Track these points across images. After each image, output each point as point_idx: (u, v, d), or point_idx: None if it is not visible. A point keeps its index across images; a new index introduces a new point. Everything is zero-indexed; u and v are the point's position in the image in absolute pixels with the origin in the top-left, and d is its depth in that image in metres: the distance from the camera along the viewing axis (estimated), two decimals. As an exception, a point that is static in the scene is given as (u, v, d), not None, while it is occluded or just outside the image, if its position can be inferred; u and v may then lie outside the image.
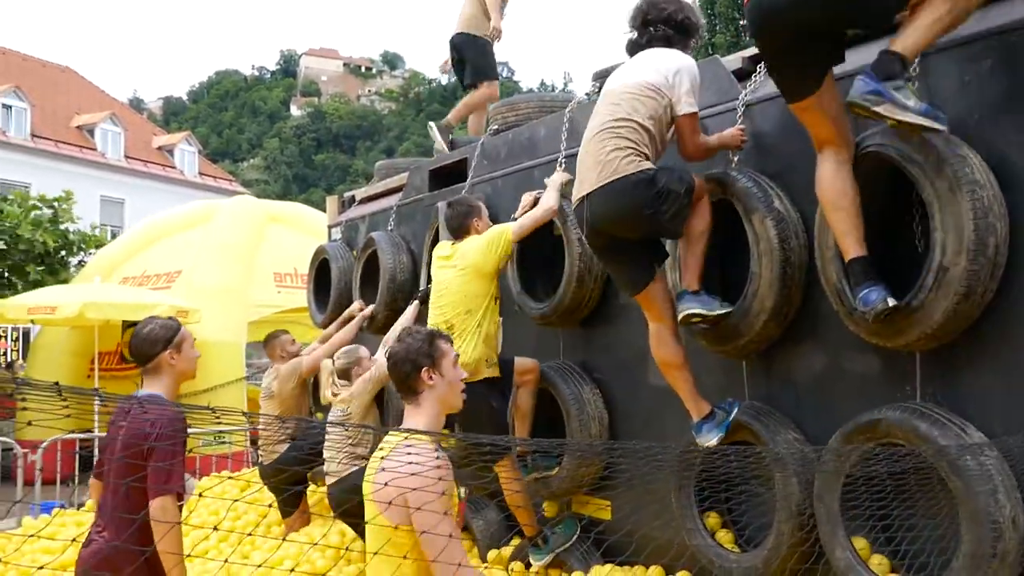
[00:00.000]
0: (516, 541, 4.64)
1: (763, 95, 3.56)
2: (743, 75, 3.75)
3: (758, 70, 3.64)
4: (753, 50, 3.77)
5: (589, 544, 4.28)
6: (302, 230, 12.52)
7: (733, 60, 3.86)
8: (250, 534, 5.07)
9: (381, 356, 4.88)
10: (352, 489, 4.50)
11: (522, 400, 4.47)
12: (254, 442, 10.30)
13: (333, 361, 5.06)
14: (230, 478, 6.88)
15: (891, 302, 2.73)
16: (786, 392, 3.47)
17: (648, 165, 3.35)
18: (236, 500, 5.78)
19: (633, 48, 3.67)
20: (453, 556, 2.40)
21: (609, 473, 4.17)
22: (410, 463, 2.35)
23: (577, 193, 3.53)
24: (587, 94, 4.84)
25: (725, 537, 3.61)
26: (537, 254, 4.76)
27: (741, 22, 20.57)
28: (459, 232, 4.45)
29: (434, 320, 4.32)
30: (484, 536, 4.84)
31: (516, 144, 5.14)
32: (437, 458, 2.47)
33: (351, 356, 5.01)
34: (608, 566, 4.06)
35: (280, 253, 12.10)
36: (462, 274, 4.24)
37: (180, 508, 3.12)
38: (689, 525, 3.62)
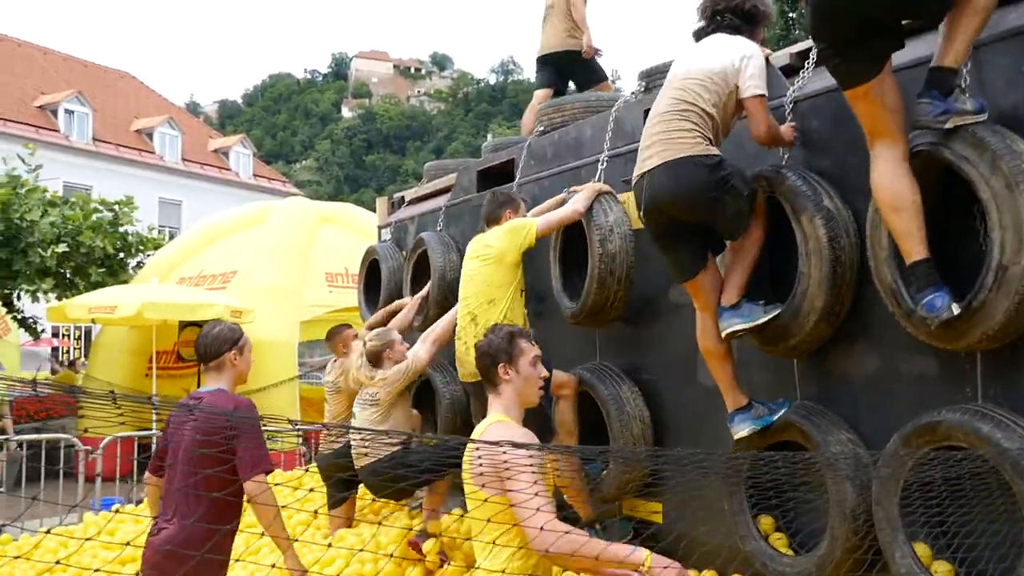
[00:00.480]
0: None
1: (812, 91, 3.49)
2: (791, 71, 3.68)
3: (806, 66, 3.58)
4: (801, 46, 3.71)
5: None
6: (353, 230, 12.66)
7: (781, 56, 3.80)
8: (296, 540, 5.13)
9: (420, 350, 4.91)
10: (378, 471, 4.61)
11: (564, 415, 4.44)
12: (306, 441, 10.45)
13: (364, 343, 5.04)
14: (276, 484, 6.93)
15: (956, 309, 2.67)
16: (839, 392, 3.40)
17: (715, 151, 3.33)
18: (284, 507, 5.84)
19: (699, 35, 3.65)
20: (536, 519, 2.55)
21: (656, 478, 4.14)
22: (500, 443, 2.56)
23: (638, 170, 3.49)
24: (633, 93, 4.80)
25: (779, 541, 3.56)
26: (581, 253, 4.76)
27: (791, 15, 20.21)
28: (491, 220, 4.48)
29: (460, 313, 4.38)
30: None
31: (562, 144, 5.13)
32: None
33: (384, 338, 4.95)
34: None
35: (332, 253, 12.25)
36: (484, 263, 4.26)
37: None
38: (743, 531, 3.58)
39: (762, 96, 3.39)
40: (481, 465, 2.63)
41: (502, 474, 2.63)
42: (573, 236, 4.62)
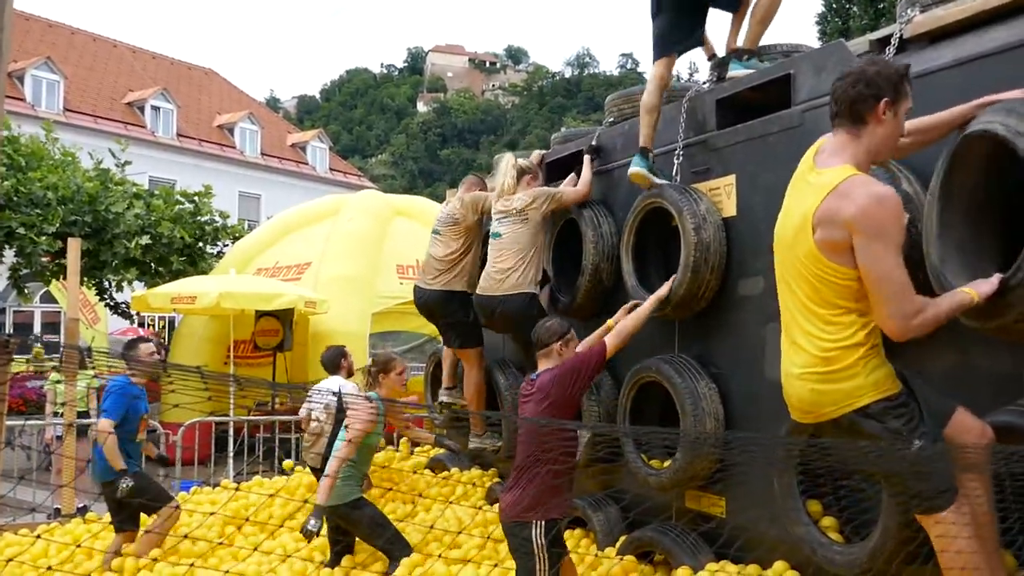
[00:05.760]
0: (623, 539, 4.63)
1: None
2: (869, 58, 3.58)
3: (887, 52, 3.48)
4: (881, 32, 3.60)
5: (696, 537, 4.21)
6: (425, 223, 12.72)
7: (859, 43, 3.70)
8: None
9: (569, 189, 5.13)
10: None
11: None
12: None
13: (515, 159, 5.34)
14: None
15: None
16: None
17: None
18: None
19: None
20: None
21: (721, 468, 4.08)
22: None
23: None
24: (705, 82, 4.73)
25: (828, 525, 3.50)
26: (654, 246, 4.71)
27: (880, 5, 19.57)
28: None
29: None
30: (604, 531, 4.84)
31: (632, 135, 5.07)
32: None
33: (533, 167, 5.37)
34: (723, 561, 3.98)
35: (403, 245, 12.39)
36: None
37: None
38: (792, 515, 3.52)
39: None
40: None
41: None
42: (644, 229, 4.62)
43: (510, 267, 5.04)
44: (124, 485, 5.20)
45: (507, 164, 5.32)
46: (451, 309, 5.63)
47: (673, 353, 4.52)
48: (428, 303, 5.74)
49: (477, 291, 5.28)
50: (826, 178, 2.54)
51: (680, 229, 4.24)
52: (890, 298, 2.43)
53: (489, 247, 5.26)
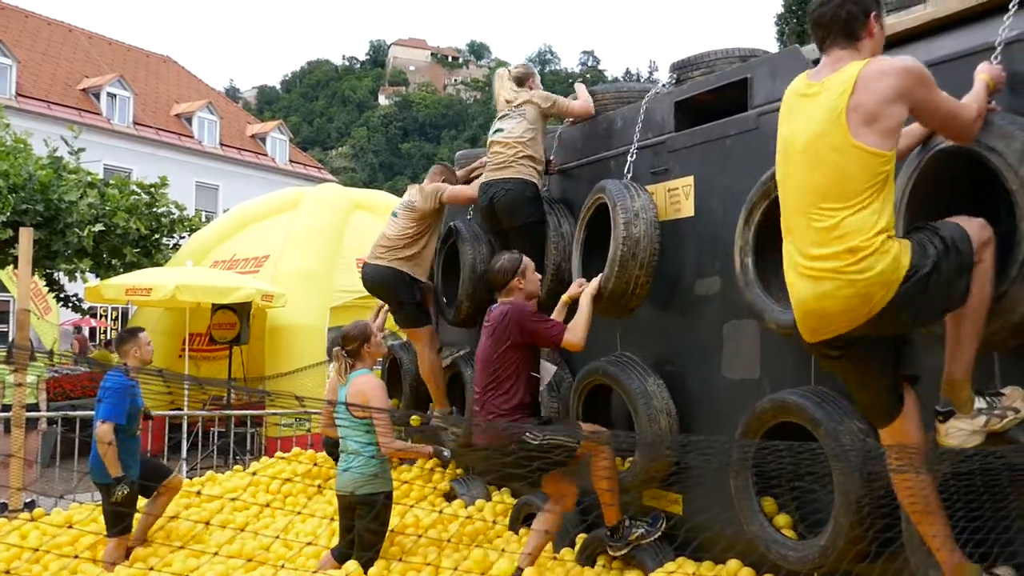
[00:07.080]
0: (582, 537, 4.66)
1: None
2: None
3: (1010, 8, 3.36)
4: None
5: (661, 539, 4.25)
6: (384, 216, 12.69)
7: (813, 49, 3.74)
8: (299, 512, 5.34)
9: (576, 101, 5.16)
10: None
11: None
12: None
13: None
14: (281, 458, 7.03)
15: None
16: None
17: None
18: (288, 480, 6.03)
19: None
20: None
21: (679, 468, 4.14)
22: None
23: None
24: (664, 84, 4.78)
25: (783, 522, 3.56)
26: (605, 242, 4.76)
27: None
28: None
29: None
30: (560, 533, 4.83)
31: (593, 134, 5.13)
32: None
33: (529, 70, 5.34)
34: (680, 559, 4.03)
35: (363, 239, 12.29)
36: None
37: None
38: (747, 513, 3.58)
39: None
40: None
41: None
42: (596, 225, 4.63)
43: (510, 155, 4.98)
44: (121, 491, 5.06)
45: (500, 79, 5.28)
46: (397, 289, 5.55)
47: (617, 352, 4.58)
48: (373, 279, 5.64)
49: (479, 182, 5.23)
50: (845, 74, 2.54)
51: (612, 223, 4.28)
52: (951, 121, 2.64)
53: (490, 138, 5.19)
